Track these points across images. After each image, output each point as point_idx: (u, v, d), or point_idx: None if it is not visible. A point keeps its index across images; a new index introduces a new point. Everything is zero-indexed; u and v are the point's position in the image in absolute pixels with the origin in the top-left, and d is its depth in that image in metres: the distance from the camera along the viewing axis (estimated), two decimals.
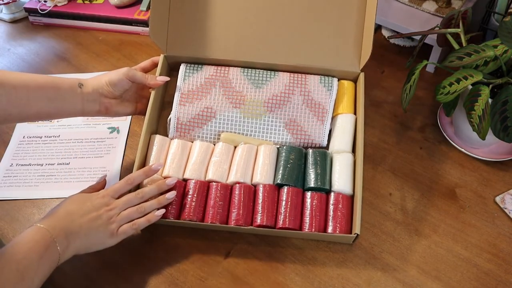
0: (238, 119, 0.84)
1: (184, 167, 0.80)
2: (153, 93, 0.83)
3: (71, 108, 0.76)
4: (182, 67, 0.87)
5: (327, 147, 0.84)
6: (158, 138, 0.82)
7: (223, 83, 0.85)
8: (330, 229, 0.73)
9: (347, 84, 0.88)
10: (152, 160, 0.79)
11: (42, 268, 0.61)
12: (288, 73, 0.86)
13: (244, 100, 0.84)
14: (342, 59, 0.86)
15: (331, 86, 0.85)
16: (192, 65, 0.87)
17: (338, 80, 0.88)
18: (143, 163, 0.79)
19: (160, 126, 0.88)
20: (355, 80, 0.89)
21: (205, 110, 0.84)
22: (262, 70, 0.87)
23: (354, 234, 0.70)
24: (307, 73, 0.87)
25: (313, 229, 0.72)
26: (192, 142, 0.83)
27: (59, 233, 0.64)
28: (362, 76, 0.85)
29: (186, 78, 0.86)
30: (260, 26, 0.88)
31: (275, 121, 0.84)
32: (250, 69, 0.87)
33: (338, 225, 0.73)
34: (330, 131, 0.84)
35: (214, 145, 0.82)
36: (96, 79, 0.79)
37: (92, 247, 0.68)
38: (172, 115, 0.84)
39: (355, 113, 0.85)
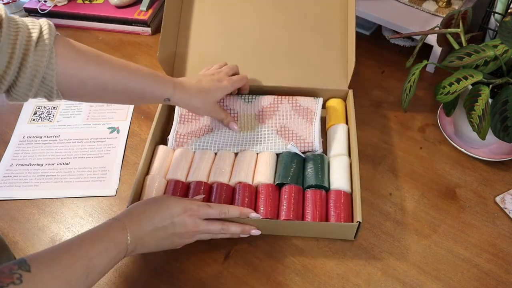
0: (234, 132, 0.86)
1: (187, 170, 0.81)
2: (160, 106, 0.87)
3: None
4: None
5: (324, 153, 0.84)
6: (162, 149, 0.83)
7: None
8: (332, 220, 0.73)
9: (337, 101, 0.90)
10: (156, 169, 0.80)
11: (106, 270, 0.60)
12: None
13: (238, 116, 0.87)
14: (330, 78, 0.91)
15: (317, 99, 0.88)
16: None
17: (328, 99, 0.91)
18: (146, 172, 0.80)
19: (165, 138, 0.88)
20: (344, 98, 0.91)
21: (203, 128, 0.87)
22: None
23: (357, 222, 0.70)
24: (296, 95, 0.89)
25: (316, 219, 0.73)
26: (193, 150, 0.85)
27: (134, 240, 0.63)
28: (350, 93, 0.89)
29: None
30: (248, 50, 0.93)
31: (268, 130, 0.85)
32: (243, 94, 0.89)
33: (340, 216, 0.73)
34: (322, 140, 0.85)
35: (215, 154, 0.84)
36: (186, 94, 0.76)
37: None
38: (172, 130, 0.86)
39: (347, 124, 0.87)
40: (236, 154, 0.83)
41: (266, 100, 0.88)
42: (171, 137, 0.85)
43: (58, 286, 0.53)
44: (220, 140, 0.85)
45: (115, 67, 0.67)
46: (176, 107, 0.87)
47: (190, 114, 0.88)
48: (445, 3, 0.99)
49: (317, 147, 0.82)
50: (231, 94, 0.88)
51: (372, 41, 1.09)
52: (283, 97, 0.88)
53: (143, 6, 1.14)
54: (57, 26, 0.67)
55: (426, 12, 1.01)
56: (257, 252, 0.74)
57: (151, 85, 0.71)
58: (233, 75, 0.85)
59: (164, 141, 0.87)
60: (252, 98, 0.88)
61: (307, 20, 0.92)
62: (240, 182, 0.78)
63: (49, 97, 0.62)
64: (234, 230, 0.72)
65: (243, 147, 0.84)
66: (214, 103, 0.81)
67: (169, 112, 0.91)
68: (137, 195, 0.76)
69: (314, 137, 0.83)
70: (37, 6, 1.14)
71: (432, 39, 0.94)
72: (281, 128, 0.85)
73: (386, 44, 1.08)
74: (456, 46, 0.82)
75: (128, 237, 0.62)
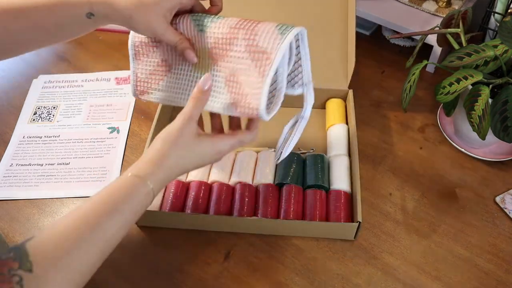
0: (190, 74, 0.67)
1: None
2: (160, 106, 0.85)
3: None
4: None
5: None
6: None
7: None
8: (332, 220, 0.73)
9: (337, 101, 0.90)
10: None
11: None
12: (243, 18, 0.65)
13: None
14: (330, 78, 0.90)
15: (288, 32, 0.59)
16: None
17: (328, 99, 0.89)
18: None
19: None
20: (344, 98, 0.91)
21: (160, 63, 0.69)
22: (211, 15, 0.66)
23: (357, 222, 0.70)
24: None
25: (316, 219, 0.73)
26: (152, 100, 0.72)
27: (159, 189, 0.58)
28: (350, 93, 0.88)
29: None
30: None
31: (218, 75, 0.64)
32: (200, 14, 0.66)
33: (339, 216, 0.73)
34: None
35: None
36: (114, 4, 0.61)
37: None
38: (131, 72, 0.72)
39: (347, 124, 0.87)
40: (236, 154, 0.83)
41: (221, 28, 0.62)
42: (131, 83, 0.72)
43: (68, 284, 0.47)
44: (177, 84, 0.68)
45: None
46: (129, 39, 0.70)
47: (144, 44, 0.69)
48: (445, 3, 0.99)
49: (264, 116, 0.59)
50: (192, 13, 0.66)
51: (372, 41, 1.09)
52: (241, 25, 0.62)
53: None
54: None
55: (426, 12, 1.00)
56: (257, 252, 0.74)
57: None
58: None
59: None
60: (205, 24, 0.64)
61: (307, 20, 0.92)
62: (240, 182, 0.78)
63: None
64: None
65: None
66: (162, 21, 0.62)
67: (170, 112, 0.91)
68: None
69: (261, 100, 0.58)
70: None
71: (432, 39, 0.94)
72: (230, 76, 0.62)
73: (386, 44, 1.08)
74: (456, 46, 0.82)
75: (153, 193, 0.56)
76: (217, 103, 0.63)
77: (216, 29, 0.63)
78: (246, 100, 0.60)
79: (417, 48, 0.90)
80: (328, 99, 0.91)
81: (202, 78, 0.60)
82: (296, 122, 0.67)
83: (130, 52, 0.71)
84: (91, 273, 0.50)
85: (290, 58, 0.63)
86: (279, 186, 0.78)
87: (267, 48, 0.59)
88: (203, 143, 0.61)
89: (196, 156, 0.61)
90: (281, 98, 0.62)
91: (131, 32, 0.69)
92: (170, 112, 0.91)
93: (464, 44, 0.82)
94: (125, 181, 0.55)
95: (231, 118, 0.68)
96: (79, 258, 0.48)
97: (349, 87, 0.90)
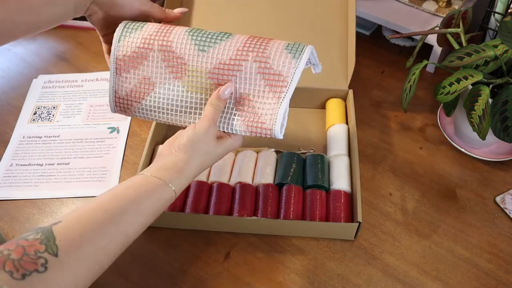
0: (179, 94, 0.66)
1: None
2: None
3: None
4: (120, 26, 0.67)
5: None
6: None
7: (162, 45, 0.65)
8: (332, 220, 0.73)
9: (337, 101, 0.90)
10: None
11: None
12: (247, 36, 0.64)
13: (185, 69, 0.65)
14: (330, 78, 0.90)
15: (300, 53, 0.61)
16: (133, 23, 0.67)
17: (328, 99, 0.90)
18: None
19: (167, 137, 0.87)
20: (344, 98, 0.91)
21: (143, 81, 0.67)
22: (213, 31, 0.65)
23: (357, 222, 0.70)
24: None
25: (316, 219, 0.73)
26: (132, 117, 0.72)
27: (180, 188, 0.59)
28: (350, 93, 0.88)
29: (122, 39, 0.66)
30: None
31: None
32: (199, 30, 0.65)
33: (340, 216, 0.73)
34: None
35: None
36: None
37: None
38: (110, 86, 0.69)
39: (347, 124, 0.87)
40: (236, 153, 0.83)
41: (227, 51, 0.63)
42: (110, 99, 0.70)
43: (84, 273, 0.48)
44: (162, 103, 0.67)
45: None
46: (112, 53, 0.67)
47: (126, 60, 0.67)
48: (445, 3, 0.99)
49: (278, 135, 0.63)
50: (186, 28, 0.66)
51: (372, 41, 1.09)
52: (250, 46, 0.62)
53: None
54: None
55: (426, 12, 1.00)
56: (257, 252, 0.74)
57: None
58: None
59: (164, 141, 0.87)
60: (209, 44, 0.63)
61: (307, 20, 0.92)
62: (240, 182, 0.78)
63: None
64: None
65: (189, 113, 0.66)
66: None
67: None
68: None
69: (276, 121, 0.62)
70: None
71: (432, 39, 0.94)
72: (241, 99, 0.63)
73: (386, 44, 1.08)
74: (456, 46, 0.82)
75: (174, 192, 0.58)
76: (225, 124, 0.64)
77: (221, 51, 0.63)
78: (259, 120, 0.62)
79: (417, 48, 0.90)
80: (328, 99, 0.91)
81: (225, 85, 0.62)
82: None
83: (111, 66, 0.68)
84: (108, 266, 0.51)
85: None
86: (279, 186, 0.78)
87: (282, 72, 0.61)
88: (223, 145, 0.64)
89: (215, 158, 0.64)
90: (287, 116, 0.64)
91: (114, 44, 0.67)
92: None
93: (464, 44, 0.82)
94: (150, 182, 0.57)
95: None
96: (101, 249, 0.49)
97: (349, 87, 0.89)
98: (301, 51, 0.61)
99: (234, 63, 0.62)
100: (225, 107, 0.64)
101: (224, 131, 0.65)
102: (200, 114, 0.66)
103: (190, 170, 0.60)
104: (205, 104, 0.65)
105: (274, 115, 0.62)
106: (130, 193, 0.55)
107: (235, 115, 0.64)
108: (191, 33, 0.64)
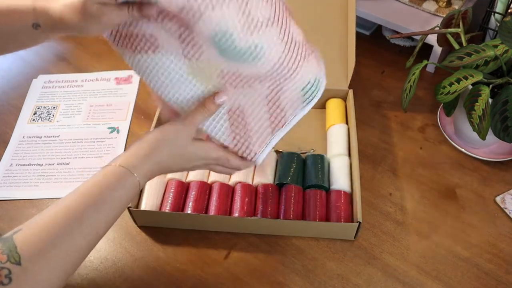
0: (178, 72, 0.60)
1: (187, 172, 0.81)
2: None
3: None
4: None
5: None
6: None
7: (181, 25, 0.56)
8: (332, 220, 0.73)
9: (337, 101, 0.90)
10: None
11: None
12: (281, 51, 0.58)
13: (199, 55, 0.58)
14: (330, 78, 0.89)
15: (310, 100, 0.63)
16: None
17: (328, 99, 0.90)
18: None
19: None
20: (344, 98, 0.91)
21: (148, 37, 0.58)
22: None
23: (357, 222, 0.70)
24: None
25: (316, 219, 0.73)
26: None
27: (145, 181, 0.58)
28: (350, 93, 0.89)
29: None
30: None
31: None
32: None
33: (340, 216, 0.73)
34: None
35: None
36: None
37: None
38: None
39: (347, 124, 0.87)
40: None
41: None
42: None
43: (53, 278, 0.47)
44: (156, 71, 0.61)
45: None
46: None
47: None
48: (445, 3, 0.99)
49: (258, 162, 0.65)
50: None
51: (372, 41, 1.09)
52: (272, 73, 0.59)
53: None
54: None
55: (426, 12, 1.00)
56: (257, 252, 0.74)
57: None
58: None
59: None
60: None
61: (307, 20, 0.92)
62: (240, 182, 0.78)
63: None
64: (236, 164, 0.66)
65: (178, 95, 0.61)
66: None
67: None
68: (137, 195, 0.76)
69: (263, 150, 0.65)
70: None
71: (432, 39, 0.94)
72: (236, 110, 0.62)
73: (386, 44, 1.08)
74: (456, 46, 0.82)
75: (139, 185, 0.56)
76: (211, 125, 0.63)
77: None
78: (246, 140, 0.64)
79: (417, 48, 0.90)
80: (328, 99, 0.91)
81: (221, 93, 0.61)
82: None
83: None
84: (79, 263, 0.51)
85: None
86: (279, 186, 0.78)
87: (286, 110, 0.63)
88: (196, 145, 0.62)
89: (186, 157, 0.61)
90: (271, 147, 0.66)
91: None
92: None
93: (464, 44, 0.82)
94: (112, 172, 0.55)
95: None
96: (67, 250, 0.48)
97: (349, 87, 0.90)
98: (314, 95, 0.63)
99: (250, 78, 0.60)
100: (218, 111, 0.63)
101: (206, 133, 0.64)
102: (188, 101, 0.62)
103: (157, 158, 0.58)
104: (200, 96, 0.61)
105: (264, 144, 0.65)
106: (93, 190, 0.53)
107: (225, 121, 0.63)
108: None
